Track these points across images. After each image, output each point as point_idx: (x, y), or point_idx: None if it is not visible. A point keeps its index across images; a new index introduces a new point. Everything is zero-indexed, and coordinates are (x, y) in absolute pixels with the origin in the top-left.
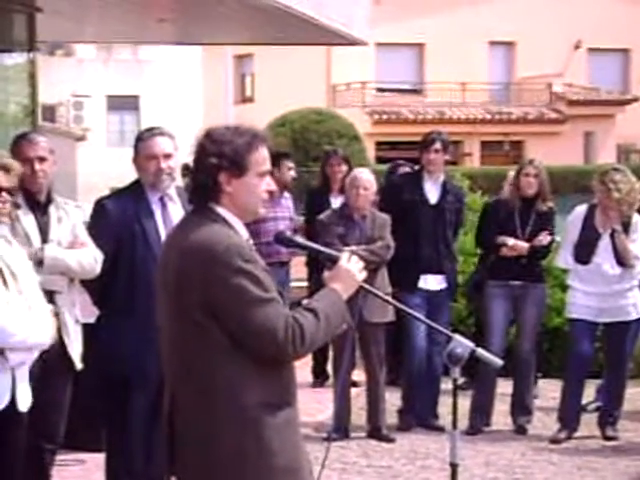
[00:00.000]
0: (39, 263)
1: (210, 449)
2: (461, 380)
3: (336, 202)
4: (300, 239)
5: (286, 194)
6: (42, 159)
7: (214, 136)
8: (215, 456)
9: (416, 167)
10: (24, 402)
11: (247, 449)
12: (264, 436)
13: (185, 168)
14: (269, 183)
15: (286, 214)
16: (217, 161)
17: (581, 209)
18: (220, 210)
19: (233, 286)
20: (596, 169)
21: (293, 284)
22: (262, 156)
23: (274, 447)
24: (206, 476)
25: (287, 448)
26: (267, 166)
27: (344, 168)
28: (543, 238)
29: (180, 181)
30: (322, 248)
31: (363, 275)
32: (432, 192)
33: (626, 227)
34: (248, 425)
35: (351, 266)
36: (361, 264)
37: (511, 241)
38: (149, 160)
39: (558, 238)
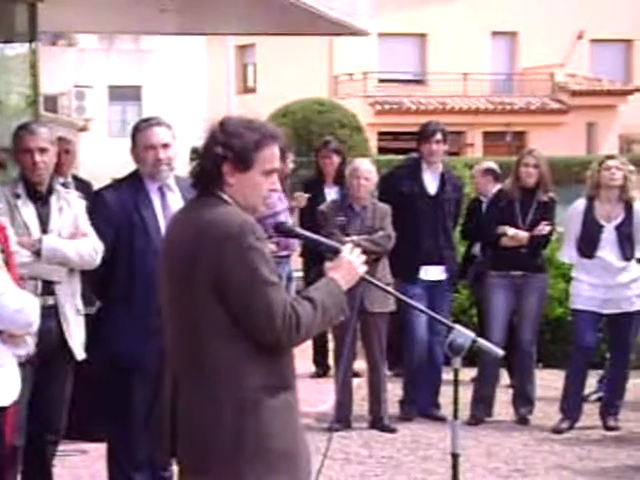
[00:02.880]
0: (37, 253)
1: (210, 430)
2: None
3: (330, 193)
4: (300, 230)
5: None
6: (43, 150)
7: (226, 126)
8: (214, 438)
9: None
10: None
11: (246, 431)
12: (263, 418)
13: (194, 152)
14: (274, 182)
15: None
16: (223, 151)
17: (579, 203)
18: (225, 197)
19: (245, 262)
20: (597, 159)
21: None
22: (271, 154)
23: (273, 430)
24: (205, 458)
25: (286, 432)
26: (274, 165)
27: (335, 159)
28: (543, 228)
29: (187, 165)
30: (322, 239)
31: (365, 267)
32: (431, 183)
33: (627, 215)
34: (247, 407)
35: (353, 258)
36: (363, 257)
37: (511, 231)
38: (147, 150)
39: (560, 229)
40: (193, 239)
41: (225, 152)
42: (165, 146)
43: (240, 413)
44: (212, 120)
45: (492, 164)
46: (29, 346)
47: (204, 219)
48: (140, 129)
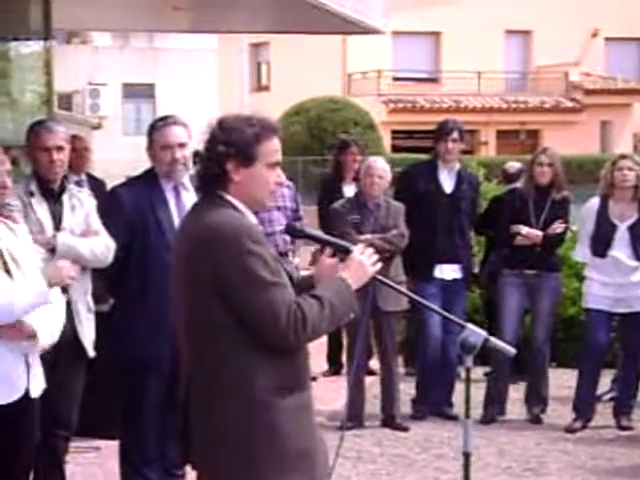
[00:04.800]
0: (51, 251)
1: (223, 433)
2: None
3: (349, 190)
4: (310, 230)
5: (288, 182)
6: (60, 148)
7: (224, 124)
8: (228, 440)
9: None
10: (36, 389)
11: (259, 433)
12: (274, 420)
13: (195, 155)
14: (279, 175)
15: (287, 204)
16: (225, 149)
17: (593, 202)
18: (228, 198)
19: (240, 266)
20: (611, 158)
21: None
22: (272, 147)
23: (285, 431)
24: (220, 460)
25: (299, 432)
26: (277, 157)
27: (359, 158)
28: (557, 227)
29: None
30: (332, 239)
31: (376, 267)
32: (447, 181)
33: None
34: (258, 409)
35: (364, 258)
36: (375, 257)
37: (525, 230)
38: (163, 150)
39: (574, 227)
40: (192, 243)
41: (227, 149)
42: (181, 146)
43: (252, 415)
44: (210, 121)
45: (510, 164)
46: (38, 343)
47: (202, 223)
48: (157, 128)
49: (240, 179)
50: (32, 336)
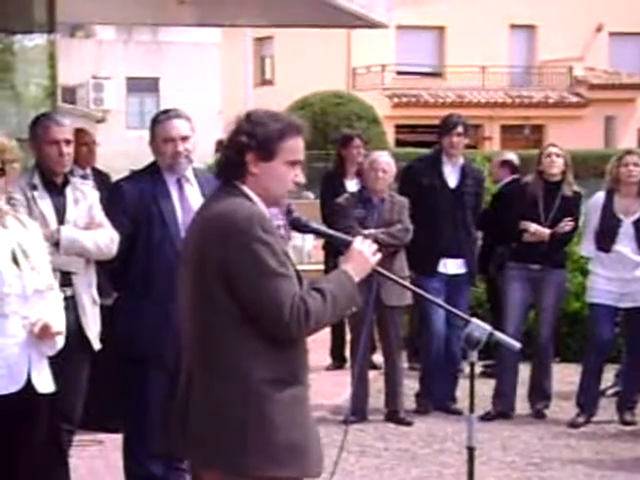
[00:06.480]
0: (55, 244)
1: (217, 421)
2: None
3: (351, 185)
4: (314, 224)
5: None
6: (68, 142)
7: (251, 117)
8: (220, 428)
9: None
10: (43, 385)
11: (250, 423)
12: (268, 411)
13: (219, 143)
14: (297, 174)
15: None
16: (247, 140)
17: (599, 196)
18: (244, 188)
19: (249, 254)
20: (617, 153)
21: (310, 267)
22: (295, 145)
23: (277, 423)
24: (212, 451)
25: (293, 425)
26: (298, 157)
27: (362, 151)
28: (565, 225)
29: (212, 157)
30: (335, 233)
31: (376, 258)
32: (451, 176)
33: None
34: (252, 399)
35: (363, 248)
36: (374, 247)
37: (533, 227)
38: (166, 143)
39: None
40: (202, 232)
41: (249, 141)
42: (184, 139)
43: (245, 406)
44: (239, 113)
45: (511, 155)
46: (56, 346)
47: (215, 211)
48: (159, 121)
49: (258, 172)
50: (55, 337)
